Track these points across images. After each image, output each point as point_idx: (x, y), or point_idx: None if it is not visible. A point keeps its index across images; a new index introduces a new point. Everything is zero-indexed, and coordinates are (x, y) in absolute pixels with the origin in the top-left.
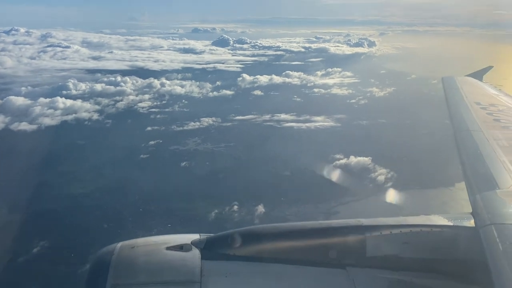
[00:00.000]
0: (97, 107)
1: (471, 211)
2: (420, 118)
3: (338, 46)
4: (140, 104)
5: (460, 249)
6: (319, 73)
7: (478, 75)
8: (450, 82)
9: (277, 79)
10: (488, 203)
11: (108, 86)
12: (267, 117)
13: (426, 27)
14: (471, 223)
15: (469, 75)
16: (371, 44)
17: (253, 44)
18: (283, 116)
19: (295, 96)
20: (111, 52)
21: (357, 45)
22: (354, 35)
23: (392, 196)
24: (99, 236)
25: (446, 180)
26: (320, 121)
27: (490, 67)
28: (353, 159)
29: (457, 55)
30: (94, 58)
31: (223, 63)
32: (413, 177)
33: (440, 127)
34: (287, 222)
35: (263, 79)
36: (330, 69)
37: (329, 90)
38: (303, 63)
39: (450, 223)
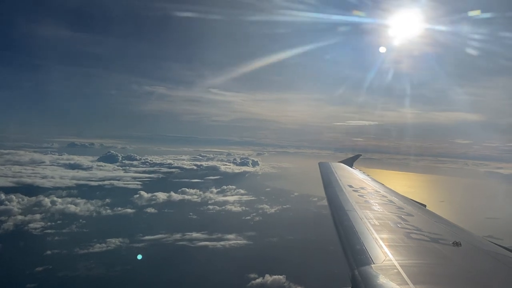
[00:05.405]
0: None
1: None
2: (323, 234)
3: (226, 164)
4: (31, 225)
5: None
6: (214, 190)
7: (349, 161)
8: (325, 166)
9: (176, 196)
10: (365, 278)
11: None
12: (177, 236)
13: (295, 149)
14: None
15: (341, 161)
16: (255, 163)
17: (143, 160)
18: (194, 234)
19: (191, 214)
20: None
21: (243, 164)
22: (234, 154)
23: None
24: None
25: None
26: (233, 239)
27: (359, 155)
28: (268, 278)
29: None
30: None
31: (118, 180)
32: None
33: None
34: None
35: (162, 196)
36: (225, 187)
37: (223, 207)
38: (201, 180)
39: None
